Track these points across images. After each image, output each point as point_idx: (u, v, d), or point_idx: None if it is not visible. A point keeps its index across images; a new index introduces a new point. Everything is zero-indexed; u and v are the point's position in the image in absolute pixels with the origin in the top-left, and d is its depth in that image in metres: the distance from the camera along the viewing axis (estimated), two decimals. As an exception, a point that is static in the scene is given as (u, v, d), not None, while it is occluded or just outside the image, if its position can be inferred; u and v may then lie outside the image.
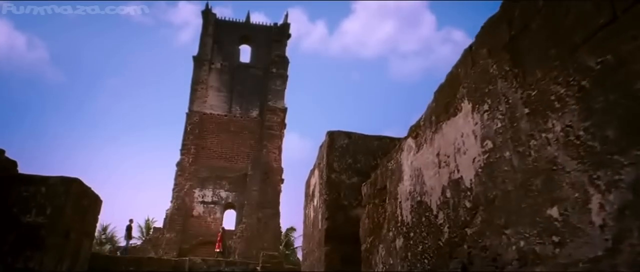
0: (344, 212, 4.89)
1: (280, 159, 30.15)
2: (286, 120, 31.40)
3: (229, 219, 28.90)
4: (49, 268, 6.61)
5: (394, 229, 2.46)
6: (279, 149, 30.33)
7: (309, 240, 5.96)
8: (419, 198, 2.15)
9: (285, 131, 31.61)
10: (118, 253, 17.88)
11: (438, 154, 1.98)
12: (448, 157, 1.88)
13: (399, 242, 2.35)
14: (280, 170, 29.75)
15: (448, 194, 1.84)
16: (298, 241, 31.85)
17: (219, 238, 19.30)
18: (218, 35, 33.46)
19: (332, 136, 5.25)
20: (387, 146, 5.35)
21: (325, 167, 5.08)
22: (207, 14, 33.77)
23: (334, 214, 4.86)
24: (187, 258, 13.88)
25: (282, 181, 29.58)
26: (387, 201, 2.64)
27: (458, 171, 1.77)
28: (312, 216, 5.90)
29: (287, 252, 29.33)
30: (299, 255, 30.52)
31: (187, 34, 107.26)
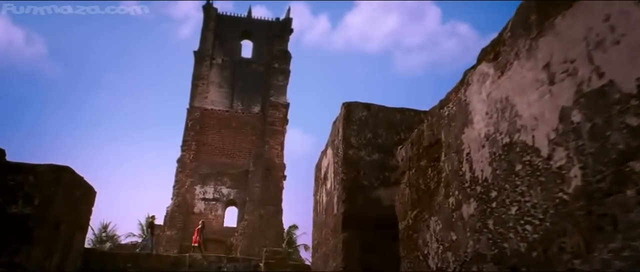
0: (364, 194, 4.22)
1: (282, 155, 29.57)
2: (288, 116, 30.80)
3: (231, 216, 28.30)
4: (37, 263, 5.97)
5: (457, 192, 1.79)
6: (281, 145, 29.73)
7: (321, 229, 5.29)
8: (507, 139, 1.48)
9: (288, 127, 31.01)
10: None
11: (547, 66, 1.30)
12: (572, 62, 1.20)
13: (469, 208, 1.68)
14: (283, 166, 29.15)
15: (576, 118, 1.17)
16: (300, 239, 31.24)
17: (196, 232, 18.62)
18: (219, 30, 32.90)
19: (348, 107, 4.58)
20: (411, 120, 4.67)
21: (342, 142, 4.41)
22: (208, 8, 33.19)
23: (352, 195, 4.19)
24: (187, 254, 13.23)
25: (284, 177, 28.99)
26: (443, 158, 1.97)
27: (600, 75, 1.10)
28: (324, 201, 5.22)
29: (289, 250, 28.67)
30: (302, 253, 29.90)
31: (188, 28, 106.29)
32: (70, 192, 6.68)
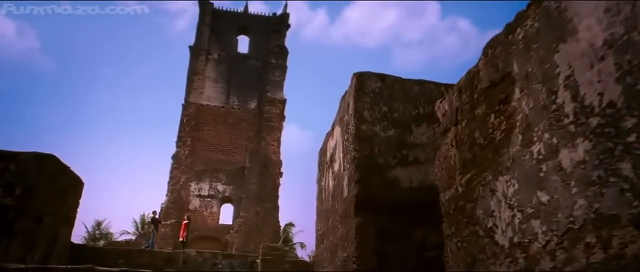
0: (379, 174, 3.68)
1: (279, 152, 29.02)
2: (285, 112, 30.25)
3: (227, 213, 27.74)
4: (17, 256, 5.46)
5: (548, 135, 1.25)
6: (278, 141, 29.18)
7: (327, 217, 4.75)
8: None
9: (285, 123, 30.45)
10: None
11: None
12: None
13: (575, 153, 1.15)
14: (279, 163, 28.60)
15: None
16: (297, 237, 30.76)
17: (183, 227, 18.19)
18: (215, 25, 32.31)
19: (360, 77, 4.03)
20: (431, 93, 4.14)
21: (353, 117, 3.87)
22: (204, 3, 32.57)
23: (366, 176, 3.65)
24: (181, 250, 12.67)
25: (281, 174, 28.44)
26: (516, 96, 1.44)
27: None
28: (331, 185, 4.68)
29: (286, 248, 28.14)
30: (299, 251, 29.42)
31: (184, 21, 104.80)
32: (55, 183, 6.18)
